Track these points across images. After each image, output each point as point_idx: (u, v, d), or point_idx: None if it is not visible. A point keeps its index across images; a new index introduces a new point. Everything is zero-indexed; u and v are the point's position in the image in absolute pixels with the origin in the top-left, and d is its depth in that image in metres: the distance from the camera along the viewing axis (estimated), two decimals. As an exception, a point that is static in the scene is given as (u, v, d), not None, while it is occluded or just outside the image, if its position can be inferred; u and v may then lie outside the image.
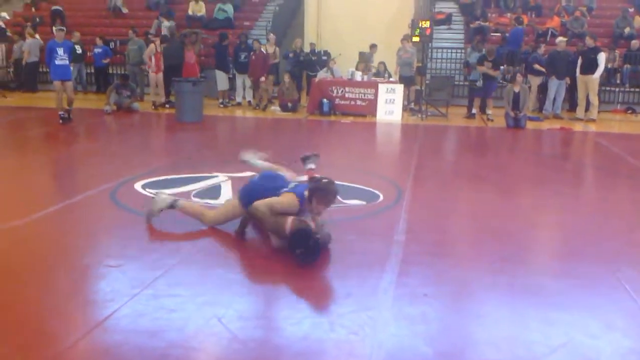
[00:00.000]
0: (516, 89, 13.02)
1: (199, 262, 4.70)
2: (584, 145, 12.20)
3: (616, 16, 18.13)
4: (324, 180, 5.00)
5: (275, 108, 14.99)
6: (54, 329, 3.63)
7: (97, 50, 17.27)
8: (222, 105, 15.13)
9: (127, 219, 5.84)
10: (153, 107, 14.53)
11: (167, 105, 14.63)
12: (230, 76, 16.21)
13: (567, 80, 14.65)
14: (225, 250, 5.03)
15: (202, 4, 19.62)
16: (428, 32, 14.58)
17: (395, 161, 9.90)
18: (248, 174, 7.58)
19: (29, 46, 17.31)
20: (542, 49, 15.41)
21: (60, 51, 11.61)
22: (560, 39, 15.36)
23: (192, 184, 7.04)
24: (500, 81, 15.19)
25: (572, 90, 15.03)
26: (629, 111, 16.14)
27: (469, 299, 4.17)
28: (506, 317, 3.89)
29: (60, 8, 19.75)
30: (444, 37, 18.32)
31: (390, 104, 14.12)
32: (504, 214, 6.36)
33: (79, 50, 16.67)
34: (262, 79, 15.00)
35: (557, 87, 14.65)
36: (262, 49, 15.26)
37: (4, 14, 20.00)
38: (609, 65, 15.75)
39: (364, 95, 14.35)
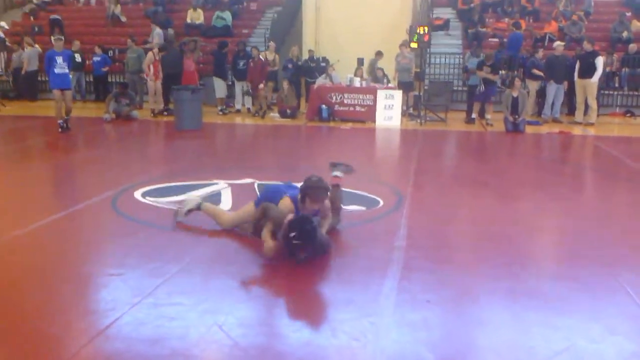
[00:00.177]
0: (515, 94, 13.04)
1: (199, 270, 4.69)
2: (584, 149, 12.21)
3: (613, 20, 18.18)
4: (312, 179, 5.02)
5: (274, 115, 15.01)
6: (56, 337, 3.63)
7: (96, 58, 17.30)
8: (221, 113, 15.14)
9: (127, 227, 5.84)
10: (152, 115, 14.54)
11: (165, 113, 14.65)
12: (229, 83, 16.24)
13: (565, 84, 14.66)
14: (225, 258, 5.02)
15: (200, 11, 19.68)
16: (426, 38, 14.61)
17: (395, 167, 9.90)
18: (248, 181, 7.62)
19: (28, 55, 17.35)
20: (540, 53, 15.44)
21: (59, 60, 11.62)
22: (557, 43, 15.41)
23: (192, 192, 7.03)
24: (500, 86, 15.21)
25: (570, 94, 15.05)
26: (628, 114, 16.16)
27: (471, 304, 4.16)
28: (508, 322, 3.88)
29: (58, 17, 19.80)
30: (442, 43, 18.35)
31: (389, 110, 14.14)
32: (505, 219, 6.36)
33: (78, 59, 16.71)
34: (261, 86, 15.02)
35: (555, 92, 14.67)
36: (261, 56, 15.30)
37: (3, 24, 20.05)
38: (607, 69, 15.78)
39: (363, 101, 14.36)
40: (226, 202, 6.65)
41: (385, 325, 3.79)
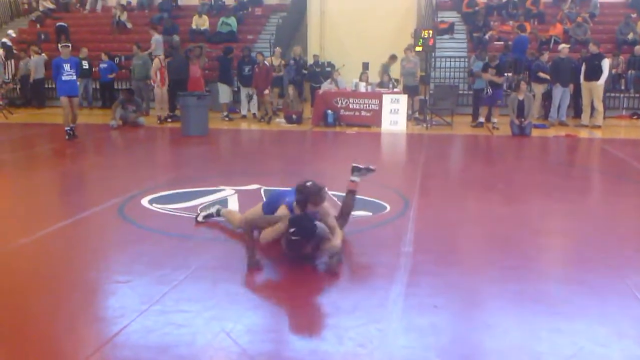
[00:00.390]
0: (520, 97, 13.02)
1: (206, 277, 4.70)
2: (590, 151, 12.17)
3: (619, 22, 18.14)
4: (307, 184, 5.00)
5: (280, 120, 15.03)
6: (64, 345, 3.64)
7: (103, 65, 17.38)
8: (227, 119, 15.17)
9: (134, 234, 5.86)
10: (158, 122, 14.59)
11: (169, 120, 14.68)
12: (235, 89, 16.28)
13: (571, 87, 14.63)
14: (232, 265, 5.03)
15: (205, 17, 19.75)
16: (431, 42, 14.62)
17: (401, 171, 9.89)
18: (254, 186, 7.63)
19: (35, 63, 17.46)
20: (546, 56, 15.41)
21: (66, 67, 11.68)
22: (562, 46, 15.37)
23: (199, 198, 7.05)
24: (506, 90, 15.19)
25: (576, 97, 15.01)
26: (635, 117, 16.10)
27: (478, 308, 4.16)
28: (515, 326, 3.87)
29: (65, 24, 19.90)
30: (447, 46, 18.35)
31: (395, 114, 14.14)
32: (511, 223, 6.35)
33: (85, 65, 16.80)
34: (266, 91, 15.05)
35: (561, 94, 14.63)
36: (266, 62, 15.33)
37: (11, 32, 20.19)
38: (613, 71, 15.74)
39: (369, 106, 14.37)
40: (233, 209, 6.66)
41: (393, 331, 3.79)
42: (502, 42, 17.77)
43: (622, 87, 16.43)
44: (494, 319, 3.99)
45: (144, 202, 6.95)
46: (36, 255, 5.28)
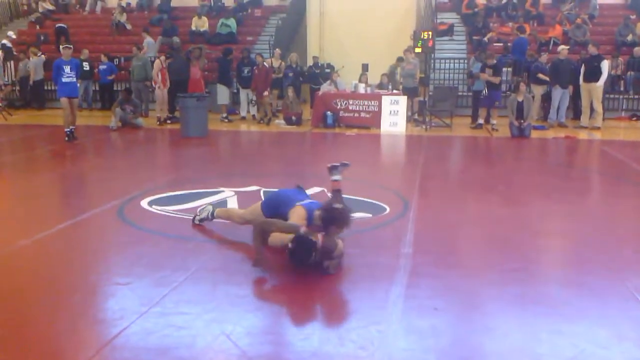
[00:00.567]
0: (520, 99, 13.02)
1: (206, 279, 4.70)
2: (590, 153, 12.18)
3: (618, 23, 18.15)
4: (337, 208, 4.96)
5: (279, 122, 15.03)
6: (64, 348, 3.64)
7: (102, 67, 17.38)
8: (226, 120, 15.16)
9: (134, 236, 5.85)
10: (158, 123, 14.58)
11: (168, 121, 14.68)
12: (235, 91, 16.28)
13: (571, 88, 14.63)
14: (232, 267, 5.03)
15: (205, 19, 19.75)
16: (430, 43, 14.62)
17: (401, 173, 9.90)
18: (254, 188, 7.63)
19: (34, 65, 17.45)
20: (544, 57, 15.41)
21: (67, 69, 11.67)
22: (562, 47, 15.37)
23: (199, 200, 7.04)
24: (505, 91, 15.19)
25: (575, 98, 15.02)
26: (634, 118, 16.11)
27: (478, 311, 4.16)
28: (515, 328, 3.87)
29: (64, 26, 19.89)
30: (446, 48, 18.36)
31: (394, 116, 14.14)
32: (511, 224, 6.35)
33: (86, 67, 16.82)
34: (265, 93, 15.05)
35: (560, 96, 14.64)
36: (265, 63, 15.34)
37: (11, 33, 20.19)
38: (612, 73, 15.75)
39: (368, 107, 14.37)
40: (229, 207, 6.65)
41: (393, 332, 3.79)
42: (501, 44, 17.78)
43: (622, 89, 16.43)
44: (494, 321, 3.99)
45: (144, 203, 6.94)
46: (36, 257, 5.27)
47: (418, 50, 14.88)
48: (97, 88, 18.01)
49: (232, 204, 6.93)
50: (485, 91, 14.28)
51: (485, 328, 3.90)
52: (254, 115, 15.77)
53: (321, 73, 17.40)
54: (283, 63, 16.57)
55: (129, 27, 20.59)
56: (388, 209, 6.77)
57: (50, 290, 4.49)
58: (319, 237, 4.75)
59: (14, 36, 20.07)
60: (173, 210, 6.63)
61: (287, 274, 4.81)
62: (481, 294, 4.44)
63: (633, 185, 8.63)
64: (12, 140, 12.86)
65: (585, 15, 18.74)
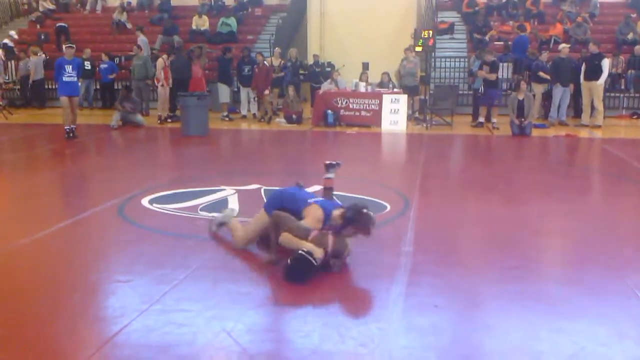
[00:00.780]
0: (520, 97, 13.02)
1: (206, 277, 4.70)
2: (591, 151, 12.18)
3: (619, 22, 18.15)
4: (365, 211, 4.80)
5: (280, 120, 15.04)
6: (65, 346, 3.64)
7: (103, 65, 17.40)
8: (227, 119, 15.16)
9: (135, 234, 5.86)
10: (158, 122, 14.59)
11: (169, 120, 14.68)
12: (236, 89, 16.28)
13: (571, 87, 14.63)
14: (232, 264, 5.04)
15: (205, 18, 19.76)
16: (431, 42, 14.62)
17: (401, 171, 9.90)
18: (255, 186, 7.63)
19: (34, 64, 17.46)
20: (545, 56, 15.41)
21: (68, 68, 11.68)
22: (563, 45, 15.37)
23: (199, 198, 7.05)
24: (506, 90, 15.17)
25: (576, 96, 15.02)
26: (635, 116, 16.11)
27: (479, 309, 4.16)
28: (515, 326, 3.87)
29: (65, 25, 19.90)
30: (447, 47, 18.36)
31: (395, 114, 14.15)
32: (512, 223, 6.35)
33: (88, 66, 16.85)
34: (266, 92, 15.05)
35: (561, 94, 14.64)
36: (266, 62, 15.34)
37: (13, 33, 20.20)
38: (613, 71, 15.75)
39: (369, 106, 14.37)
40: (233, 209, 6.65)
41: (394, 330, 3.79)
42: (502, 42, 17.77)
43: (622, 87, 16.43)
44: (494, 319, 3.99)
45: (144, 202, 6.95)
46: (36, 255, 5.27)
47: (419, 48, 14.89)
48: (98, 87, 18.02)
49: (233, 202, 6.93)
50: (481, 89, 14.29)
51: (485, 326, 3.90)
52: (254, 114, 15.77)
53: (322, 72, 17.40)
54: (283, 62, 16.57)
55: (129, 26, 20.60)
56: (389, 207, 6.77)
57: (51, 288, 4.50)
58: (329, 242, 4.70)
59: (15, 36, 20.09)
60: (174, 209, 6.63)
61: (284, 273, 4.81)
62: (481, 292, 4.44)
63: (634, 184, 8.63)
64: (13, 139, 12.87)
65: (586, 14, 18.74)
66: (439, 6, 20.40)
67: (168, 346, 3.55)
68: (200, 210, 6.57)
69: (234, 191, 7.41)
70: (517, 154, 11.39)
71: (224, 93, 15.61)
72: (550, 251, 5.70)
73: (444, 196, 7.63)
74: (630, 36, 17.43)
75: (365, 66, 16.17)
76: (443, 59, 17.43)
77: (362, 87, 14.71)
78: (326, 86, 15.48)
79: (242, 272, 4.90)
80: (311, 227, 4.81)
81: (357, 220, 4.74)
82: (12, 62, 18.84)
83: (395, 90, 15.05)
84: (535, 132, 13.19)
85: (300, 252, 4.58)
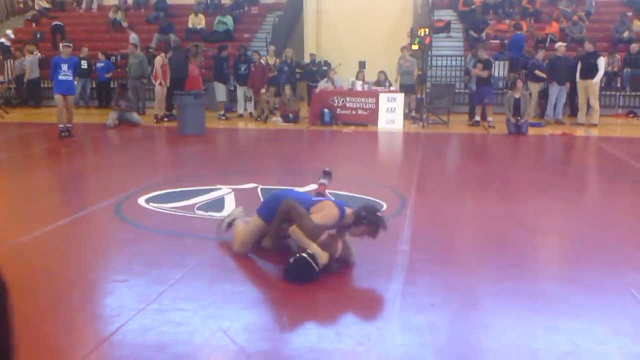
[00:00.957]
0: (517, 95, 13.04)
1: (203, 276, 4.70)
2: (587, 150, 12.20)
3: (615, 20, 18.17)
4: (379, 214, 4.81)
5: (276, 119, 15.03)
6: (62, 344, 3.64)
7: (100, 64, 17.38)
8: (224, 118, 15.14)
9: (132, 233, 5.85)
10: (155, 121, 14.57)
11: (165, 119, 14.66)
12: (232, 88, 16.27)
13: (567, 85, 14.65)
14: (229, 264, 5.03)
15: (201, 16, 19.74)
16: (427, 40, 14.62)
17: (398, 170, 9.91)
18: (251, 185, 7.63)
19: (30, 63, 17.43)
20: (541, 54, 15.43)
21: (64, 67, 11.66)
22: (559, 44, 15.40)
23: (196, 197, 7.05)
24: (502, 89, 15.18)
25: (572, 95, 15.04)
26: (631, 115, 16.14)
27: (475, 307, 4.16)
28: (512, 325, 3.88)
29: (60, 23, 19.85)
30: (443, 45, 18.37)
31: (391, 113, 14.15)
32: (508, 221, 6.36)
33: (84, 65, 16.82)
34: (262, 90, 15.04)
35: (557, 93, 14.66)
36: (262, 61, 15.33)
37: (9, 32, 20.14)
38: (609, 69, 15.78)
39: (365, 105, 14.37)
40: (229, 208, 6.65)
41: (390, 329, 3.79)
42: (498, 41, 17.80)
43: (618, 85, 16.46)
44: (490, 317, 4.00)
45: (141, 201, 6.94)
46: (33, 254, 5.26)
47: (415, 47, 14.88)
48: (95, 86, 18.00)
49: (229, 201, 6.93)
50: (473, 87, 14.30)
51: (482, 324, 3.90)
52: (251, 113, 15.76)
53: (318, 70, 17.40)
54: (278, 60, 16.55)
55: (125, 24, 20.55)
56: (385, 206, 6.76)
57: (48, 287, 4.49)
58: (338, 248, 4.66)
59: (12, 35, 20.02)
60: (170, 208, 6.63)
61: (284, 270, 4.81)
62: (478, 291, 4.45)
63: (630, 182, 8.65)
64: (9, 138, 12.84)
65: (582, 12, 18.77)
66: (435, 5, 20.42)
67: (165, 345, 3.55)
68: (197, 209, 6.57)
69: (231, 190, 7.41)
70: (514, 153, 11.41)
71: (220, 92, 15.61)
72: (547, 249, 5.72)
73: (441, 195, 7.64)
74: (626, 34, 17.46)
75: (362, 65, 16.18)
76: (439, 58, 17.44)
77: (358, 85, 14.71)
78: (323, 85, 15.48)
79: (238, 271, 4.90)
80: (322, 224, 4.70)
81: (370, 220, 4.71)
82: (9, 61, 18.78)
83: (391, 89, 15.05)
84: (531, 131, 13.20)
85: (304, 254, 4.52)
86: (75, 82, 13.53)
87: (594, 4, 19.46)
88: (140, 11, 21.96)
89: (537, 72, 15.02)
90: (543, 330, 3.77)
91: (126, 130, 13.45)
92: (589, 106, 14.41)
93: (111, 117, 13.78)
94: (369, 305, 4.18)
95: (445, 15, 19.91)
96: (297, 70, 17.51)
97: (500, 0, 20.00)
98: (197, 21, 19.58)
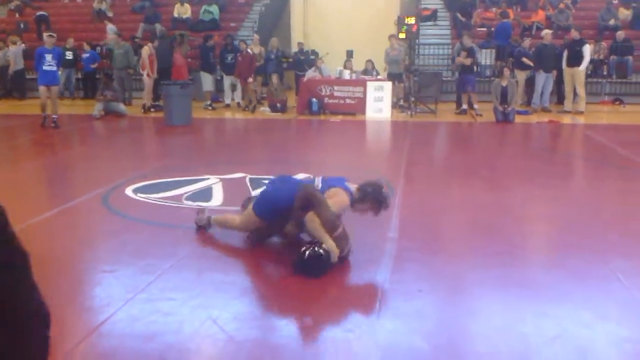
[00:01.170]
0: (504, 83, 13.07)
1: (192, 266, 4.70)
2: (573, 137, 12.27)
3: (601, 8, 18.23)
4: (384, 190, 4.79)
5: (264, 109, 14.98)
6: (51, 334, 3.61)
7: (85, 55, 17.22)
8: (210, 108, 15.06)
9: (119, 224, 5.83)
10: (142, 111, 14.48)
11: (152, 109, 14.56)
12: (219, 78, 16.19)
13: (554, 73, 14.70)
14: (217, 254, 5.03)
15: (187, 6, 19.59)
16: (414, 28, 14.60)
17: (386, 159, 9.92)
18: (239, 175, 7.61)
19: (13, 54, 17.24)
20: (527, 42, 15.46)
21: (48, 57, 11.56)
22: (545, 31, 15.42)
23: (184, 187, 7.02)
24: (490, 77, 15.19)
25: (559, 83, 15.09)
26: (617, 102, 16.23)
27: (463, 294, 4.19)
28: (500, 310, 3.91)
29: (45, 13, 19.63)
30: (430, 34, 18.37)
31: (379, 102, 14.14)
32: (496, 209, 6.39)
33: (69, 56, 16.66)
34: (250, 80, 14.97)
35: (544, 81, 14.70)
36: (249, 50, 15.25)
37: None
38: (595, 57, 15.84)
39: (353, 94, 14.35)
40: (217, 198, 6.65)
41: (380, 316, 3.80)
42: (485, 29, 17.81)
43: (605, 73, 16.53)
44: (478, 304, 4.03)
45: (128, 191, 6.90)
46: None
47: (402, 35, 14.86)
48: (80, 77, 17.84)
49: (217, 191, 6.91)
50: (456, 74, 14.29)
51: (470, 311, 3.93)
52: (238, 103, 15.69)
53: (306, 59, 17.34)
54: (263, 49, 16.46)
55: (110, 14, 20.37)
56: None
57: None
58: (346, 246, 4.61)
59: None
60: (158, 198, 6.60)
61: (272, 259, 4.82)
62: (466, 278, 4.47)
63: (616, 169, 8.71)
64: (-6, 129, 12.72)
65: (568, 0, 18.80)
66: (421, -7, 20.39)
67: (154, 335, 3.55)
68: (185, 199, 6.55)
69: (219, 180, 7.39)
70: (501, 141, 11.45)
71: (207, 81, 15.51)
72: (534, 237, 5.76)
73: (429, 183, 7.66)
74: (612, 22, 17.53)
75: (349, 54, 16.13)
76: (427, 46, 17.42)
77: (346, 74, 14.68)
78: (310, 74, 15.44)
79: (227, 261, 4.90)
80: (337, 211, 4.64)
81: (376, 197, 4.73)
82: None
83: (379, 77, 15.04)
84: (518, 119, 13.26)
85: (320, 250, 4.41)
86: (60, 73, 13.41)
87: (580, -8, 19.52)
88: (126, 1, 21.76)
89: (524, 59, 15.04)
90: (531, 316, 3.80)
91: (112, 121, 13.36)
92: (575, 94, 14.48)
93: (97, 108, 13.67)
94: (358, 293, 4.19)
95: (432, 3, 19.89)
96: (283, 59, 17.43)
97: (487, -12, 20.00)
98: (183, 10, 19.44)
